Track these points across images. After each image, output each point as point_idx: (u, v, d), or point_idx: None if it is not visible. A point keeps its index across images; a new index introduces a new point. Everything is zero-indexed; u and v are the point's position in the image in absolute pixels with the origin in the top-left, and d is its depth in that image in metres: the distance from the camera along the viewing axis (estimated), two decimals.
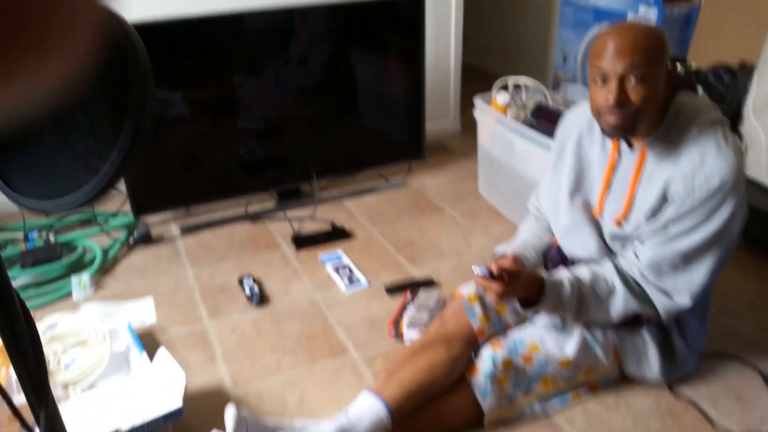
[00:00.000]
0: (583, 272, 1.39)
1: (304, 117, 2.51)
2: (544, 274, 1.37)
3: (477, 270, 1.30)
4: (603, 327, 1.44)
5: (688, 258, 1.32)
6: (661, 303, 1.35)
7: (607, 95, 1.25)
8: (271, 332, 1.77)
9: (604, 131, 1.33)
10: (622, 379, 1.51)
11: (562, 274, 1.38)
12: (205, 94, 2.35)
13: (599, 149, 1.46)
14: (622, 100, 1.24)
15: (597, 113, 1.31)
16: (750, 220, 1.97)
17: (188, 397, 1.52)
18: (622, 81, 1.24)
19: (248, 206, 2.41)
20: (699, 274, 1.33)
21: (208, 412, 1.47)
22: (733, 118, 2.21)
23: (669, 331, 1.46)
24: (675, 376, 1.49)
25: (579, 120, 1.51)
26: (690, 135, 1.29)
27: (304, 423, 1.31)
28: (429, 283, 1.94)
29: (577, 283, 1.36)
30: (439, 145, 3.07)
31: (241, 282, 1.98)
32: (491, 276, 1.30)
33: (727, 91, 2.30)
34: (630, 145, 1.39)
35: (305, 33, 2.41)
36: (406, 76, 2.58)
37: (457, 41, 2.99)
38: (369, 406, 1.27)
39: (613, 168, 1.42)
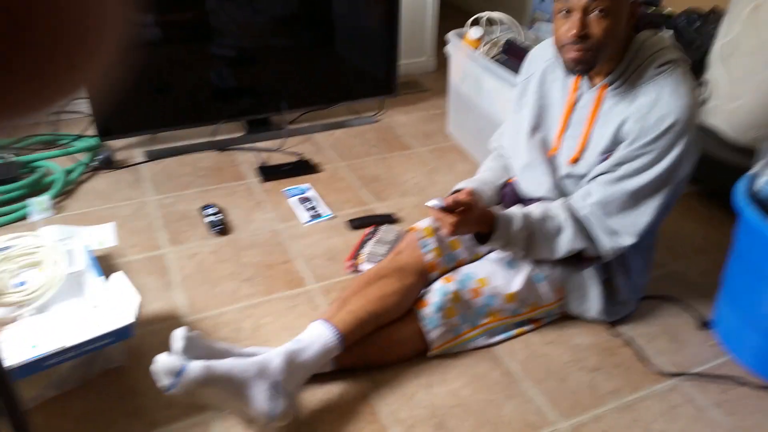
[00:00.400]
0: (535, 209, 1.42)
1: (279, 47, 2.45)
2: (496, 209, 1.40)
3: (432, 202, 1.33)
4: (549, 264, 1.48)
5: (636, 197, 1.35)
6: (605, 241, 1.39)
7: (569, 28, 1.25)
8: (230, 261, 1.79)
9: (566, 66, 1.33)
10: (566, 317, 1.58)
11: (514, 210, 1.42)
12: (178, 17, 2.27)
13: (561, 87, 1.47)
14: (584, 33, 1.24)
15: (559, 47, 1.31)
16: (705, 168, 2.01)
17: (143, 322, 1.55)
18: (585, 13, 1.24)
19: (215, 135, 2.38)
20: (645, 214, 1.37)
21: (163, 336, 1.50)
22: (700, 64, 2.22)
23: (612, 271, 1.51)
24: (616, 316, 1.56)
25: (544, 56, 1.51)
26: (648, 74, 1.30)
27: (255, 349, 1.35)
28: (391, 219, 1.97)
29: (527, 219, 1.40)
30: (414, 83, 3.04)
31: (203, 210, 1.98)
32: (445, 209, 1.33)
33: (697, 36, 2.29)
34: (590, 82, 1.40)
35: None
36: (381, 10, 2.52)
37: None
38: (319, 332, 1.31)
39: (572, 106, 1.44)
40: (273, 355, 1.25)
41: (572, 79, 1.42)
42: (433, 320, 1.41)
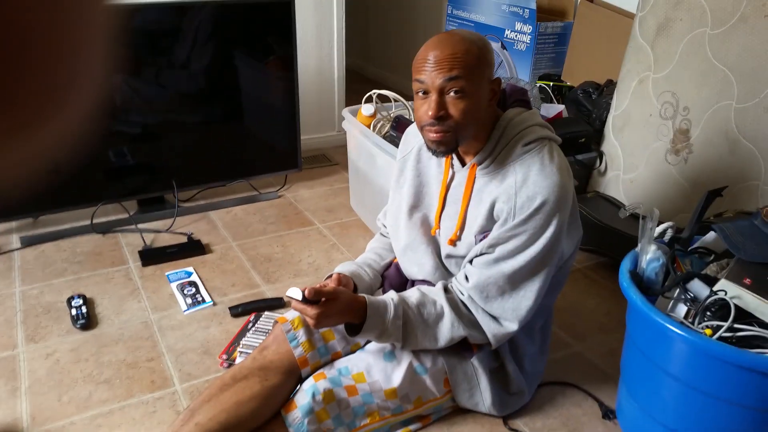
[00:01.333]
0: (411, 294, 1.31)
1: (184, 122, 2.34)
2: (367, 297, 1.28)
3: (291, 293, 1.19)
4: (431, 353, 1.35)
5: (513, 281, 1.26)
6: (488, 327, 1.29)
7: (427, 109, 1.19)
8: (90, 360, 1.59)
9: (428, 147, 1.26)
10: (459, 410, 1.44)
11: (388, 296, 1.30)
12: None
13: (436, 165, 1.40)
14: (441, 114, 1.18)
15: (420, 127, 1.25)
16: (606, 238, 1.98)
17: None
18: (441, 94, 1.18)
19: (94, 216, 2.20)
20: (526, 297, 1.27)
21: None
22: (599, 134, 2.22)
23: (503, 359, 1.40)
24: (510, 408, 1.43)
25: (419, 134, 1.44)
26: (515, 153, 1.24)
27: None
28: (277, 305, 1.82)
29: (402, 305, 1.28)
30: (323, 157, 2.96)
31: (69, 302, 1.78)
32: (307, 300, 1.19)
33: (594, 108, 2.31)
34: (462, 161, 1.33)
35: (189, 33, 2.24)
36: (282, 85, 2.45)
37: (340, 48, 2.89)
38: None
39: (447, 185, 1.36)
40: None
41: (445, 158, 1.36)
42: (301, 426, 1.25)
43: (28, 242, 2.13)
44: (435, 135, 1.20)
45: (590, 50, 2.52)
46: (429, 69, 1.17)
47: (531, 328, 1.43)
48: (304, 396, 1.27)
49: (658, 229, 1.34)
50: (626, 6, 2.41)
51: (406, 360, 1.34)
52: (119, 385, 1.51)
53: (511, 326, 1.28)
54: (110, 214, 2.30)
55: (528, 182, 1.21)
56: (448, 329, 1.28)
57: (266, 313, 1.75)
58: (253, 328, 1.67)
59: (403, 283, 1.49)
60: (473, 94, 1.18)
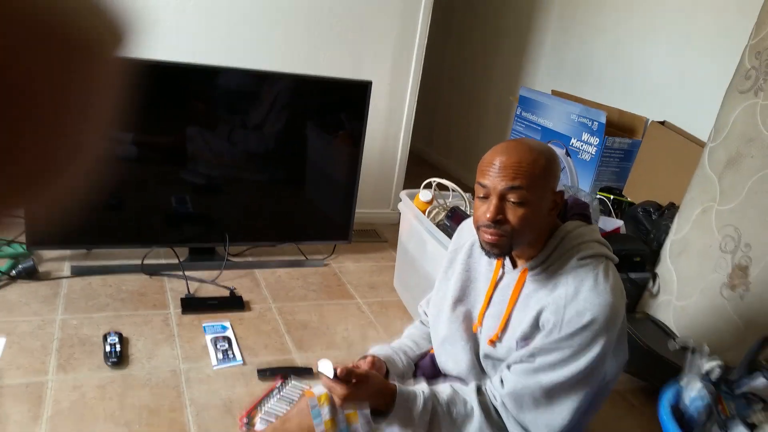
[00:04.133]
0: (443, 389, 1.28)
1: (247, 180, 2.43)
2: (398, 384, 1.25)
3: (322, 368, 1.19)
4: None
5: (550, 394, 1.21)
6: None
7: (485, 211, 1.20)
8: (114, 399, 1.60)
9: (482, 247, 1.26)
10: None
11: (419, 388, 1.27)
12: (157, 139, 2.27)
13: (486, 262, 1.40)
14: (499, 218, 1.19)
15: (476, 227, 1.26)
16: (650, 364, 1.89)
17: None
18: (501, 199, 1.19)
19: (146, 258, 2.27)
20: (561, 413, 1.22)
21: None
22: (653, 257, 2.18)
23: None
24: None
25: (473, 230, 1.45)
26: (570, 265, 1.23)
27: None
28: (305, 372, 1.80)
29: (432, 399, 1.24)
30: (373, 232, 3.00)
31: (105, 338, 1.82)
32: (337, 378, 1.18)
33: (652, 229, 2.28)
34: (514, 263, 1.33)
35: (268, 99, 2.38)
36: (346, 159, 2.54)
37: (407, 131, 2.99)
38: None
39: (495, 283, 1.36)
40: None
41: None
42: None
43: (77, 272, 2.21)
44: (490, 237, 1.21)
45: (655, 170, 2.52)
46: (493, 174, 1.19)
47: None
48: None
49: (706, 367, 1.29)
50: (697, 133, 2.42)
51: None
52: (138, 430, 1.50)
53: None
54: (161, 257, 2.37)
55: (579, 297, 1.19)
56: (476, 430, 1.24)
57: (294, 382, 1.73)
58: (279, 395, 1.65)
59: (436, 375, 1.46)
60: (534, 204, 1.18)
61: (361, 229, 2.96)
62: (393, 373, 1.41)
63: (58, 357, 1.74)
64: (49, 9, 0.21)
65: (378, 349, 1.47)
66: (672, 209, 2.31)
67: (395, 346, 1.51)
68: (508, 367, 1.27)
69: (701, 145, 2.22)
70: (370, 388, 1.21)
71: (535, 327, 1.25)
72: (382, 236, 2.97)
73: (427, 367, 1.48)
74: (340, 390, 1.17)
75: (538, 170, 1.18)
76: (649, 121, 2.63)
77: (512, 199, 1.18)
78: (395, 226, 3.07)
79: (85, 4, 0.23)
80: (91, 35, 0.23)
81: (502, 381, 1.27)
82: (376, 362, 1.36)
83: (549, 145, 1.25)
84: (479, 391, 1.28)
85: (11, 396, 1.56)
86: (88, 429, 1.48)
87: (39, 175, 0.24)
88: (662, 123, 2.57)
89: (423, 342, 1.54)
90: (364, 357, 1.41)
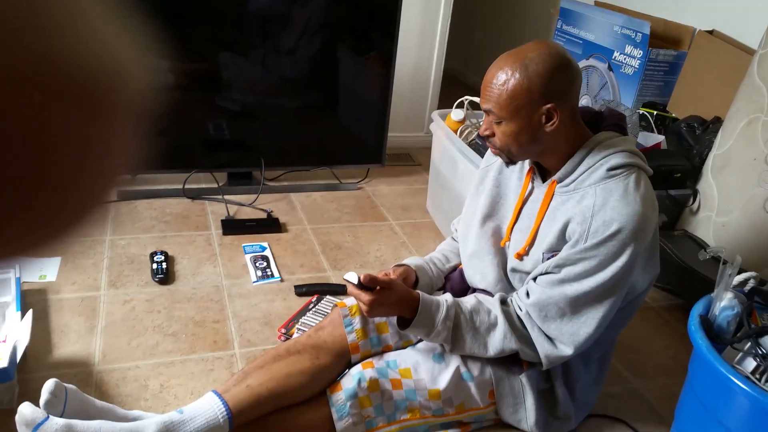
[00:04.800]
0: (468, 300, 1.32)
1: (281, 105, 2.45)
2: (421, 293, 1.29)
3: (348, 276, 1.24)
4: (480, 362, 1.35)
5: (575, 305, 1.23)
6: (542, 347, 1.27)
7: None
8: (162, 312, 1.70)
9: None
10: (500, 425, 1.42)
11: (443, 297, 1.31)
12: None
13: (517, 178, 1.40)
14: (486, 134, 1.25)
15: None
16: (688, 280, 1.88)
17: (51, 365, 1.47)
18: (490, 116, 1.23)
19: (186, 182, 2.34)
20: (587, 324, 1.24)
21: (65, 381, 1.41)
22: (695, 173, 2.12)
23: (554, 381, 1.37)
24: (553, 431, 1.40)
25: None
26: (598, 175, 1.21)
27: (138, 413, 1.24)
28: (339, 291, 1.86)
29: (455, 307, 1.28)
30: (407, 155, 2.99)
31: (152, 256, 1.91)
32: (363, 286, 1.23)
33: (695, 144, 2.20)
34: (543, 178, 1.32)
35: (299, 21, 2.35)
36: (379, 82, 2.51)
37: (441, 51, 2.91)
38: (207, 405, 1.20)
39: (524, 199, 1.36)
40: (147, 424, 1.14)
41: (526, 171, 1.35)
42: (343, 408, 1.28)
43: (124, 197, 2.30)
44: (492, 149, 1.27)
45: (702, 83, 2.40)
46: (482, 89, 1.23)
47: (588, 357, 1.39)
48: (351, 380, 1.31)
49: (740, 278, 1.27)
50: (748, 41, 2.28)
51: (453, 364, 1.35)
52: (184, 339, 1.60)
53: (566, 350, 1.26)
54: (201, 182, 2.44)
55: (607, 207, 1.18)
56: (499, 340, 1.28)
57: (328, 297, 1.80)
58: (314, 309, 1.73)
59: (464, 289, 1.49)
60: (513, 122, 1.19)
61: (395, 153, 2.96)
62: (422, 281, 1.46)
63: (109, 274, 1.84)
64: (62, 61, 0.21)
65: (410, 260, 1.51)
66: (717, 123, 2.22)
67: (428, 257, 1.55)
68: (534, 279, 1.29)
69: (751, 53, 2.10)
70: (393, 294, 1.25)
71: (562, 239, 1.25)
72: (416, 160, 2.96)
73: (456, 281, 1.52)
74: (365, 297, 1.22)
75: (507, 92, 1.18)
76: (696, 31, 2.49)
77: (492, 118, 1.22)
78: (428, 149, 3.05)
79: (97, 52, 0.23)
80: (104, 85, 0.23)
81: (527, 293, 1.29)
82: (406, 271, 1.41)
83: (545, 52, 1.18)
84: (503, 302, 1.31)
85: (69, 309, 1.67)
86: (138, 338, 1.59)
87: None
88: (710, 32, 2.43)
89: (453, 256, 1.57)
90: (397, 265, 1.46)
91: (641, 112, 2.44)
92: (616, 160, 1.22)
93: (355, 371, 1.33)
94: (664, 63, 2.56)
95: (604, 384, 1.48)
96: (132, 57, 0.25)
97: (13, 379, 1.25)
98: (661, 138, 2.17)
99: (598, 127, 1.32)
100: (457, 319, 1.27)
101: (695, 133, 2.30)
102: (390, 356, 1.37)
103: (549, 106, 1.18)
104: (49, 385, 1.14)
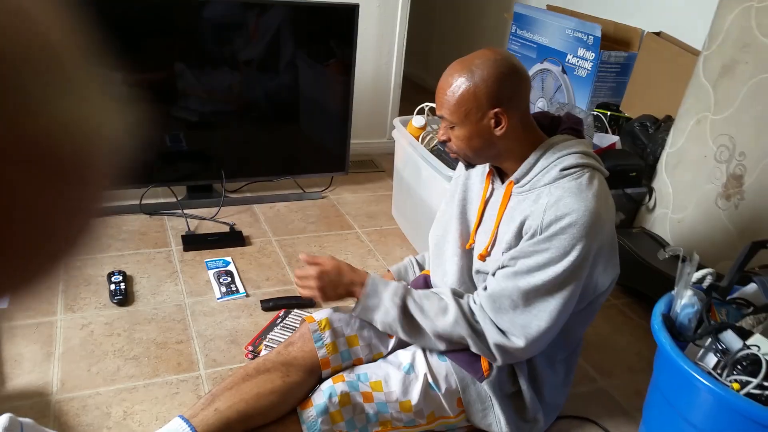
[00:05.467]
0: (419, 290, 1.35)
1: (239, 115, 2.41)
2: (372, 273, 1.36)
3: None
4: (444, 373, 1.35)
5: (527, 298, 1.24)
6: (492, 337, 1.26)
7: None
8: (122, 335, 1.65)
9: None
10: (474, 431, 1.43)
11: (397, 283, 1.35)
12: (146, 77, 2.23)
13: (479, 181, 1.43)
14: (443, 139, 1.29)
15: None
16: (647, 278, 1.93)
17: (2, 398, 1.40)
18: (443, 120, 1.27)
19: (143, 197, 2.28)
20: (538, 318, 1.24)
21: (21, 414, 1.35)
22: (649, 171, 2.17)
23: (520, 384, 1.38)
24: None
25: None
26: (552, 175, 1.24)
27: None
28: (307, 303, 1.84)
29: (404, 289, 1.32)
30: (370, 162, 2.99)
31: (109, 277, 1.85)
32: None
33: (649, 143, 2.26)
34: (502, 180, 1.35)
35: (254, 29, 2.32)
36: (339, 89, 2.50)
37: (399, 56, 2.92)
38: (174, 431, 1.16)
39: (486, 200, 1.39)
40: None
41: (486, 174, 1.38)
42: (313, 425, 1.27)
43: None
44: (450, 154, 1.31)
45: (652, 84, 2.47)
46: (436, 100, 1.27)
47: (553, 358, 1.40)
48: (321, 396, 1.29)
49: (697, 275, 1.31)
50: (693, 43, 2.36)
51: (421, 375, 1.35)
52: (147, 363, 1.56)
53: (518, 342, 1.25)
54: (159, 197, 2.38)
55: (560, 203, 1.20)
56: (450, 324, 1.27)
57: (295, 310, 1.77)
58: (282, 324, 1.70)
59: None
60: (463, 127, 1.23)
61: (358, 159, 2.95)
62: (405, 281, 1.50)
63: (65, 297, 1.78)
64: (33, 129, 0.21)
65: (394, 267, 1.61)
66: (668, 122, 2.28)
67: (411, 258, 1.61)
68: (493, 274, 1.30)
69: (696, 54, 2.17)
70: (339, 265, 1.35)
71: (519, 236, 1.27)
72: (380, 166, 2.96)
73: (420, 285, 1.52)
74: (311, 270, 1.31)
75: (456, 98, 1.22)
76: (645, 33, 2.56)
77: (446, 124, 1.26)
78: (391, 155, 3.05)
79: (71, 117, 0.23)
80: (75, 151, 0.23)
81: (485, 287, 1.30)
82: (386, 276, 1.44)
83: (491, 59, 1.23)
84: (455, 293, 1.33)
85: (23, 336, 1.61)
86: (98, 364, 1.54)
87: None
88: (658, 34, 2.50)
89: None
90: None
91: (595, 113, 2.49)
92: (570, 160, 1.24)
93: (326, 386, 1.31)
94: (615, 64, 2.63)
95: (571, 385, 1.49)
96: (107, 120, 0.24)
97: None
98: (616, 138, 2.22)
99: (556, 131, 1.34)
100: (406, 300, 1.31)
101: (648, 131, 2.35)
102: (360, 369, 1.36)
103: (497, 110, 1.21)
104: (2, 421, 1.09)
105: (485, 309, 1.27)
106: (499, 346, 1.26)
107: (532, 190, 1.25)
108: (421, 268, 1.62)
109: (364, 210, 2.51)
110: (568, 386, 1.48)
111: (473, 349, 1.29)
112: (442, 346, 1.31)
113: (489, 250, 1.33)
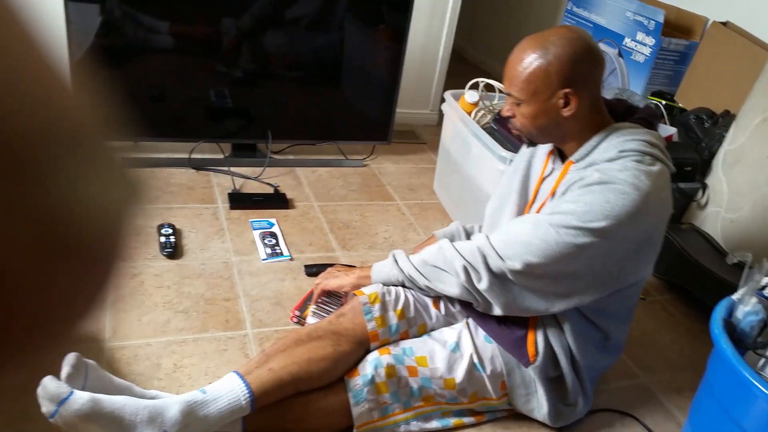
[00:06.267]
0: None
1: (284, 75, 2.39)
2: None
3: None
4: (491, 355, 1.35)
5: (537, 225, 1.23)
6: (495, 262, 1.26)
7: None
8: (170, 288, 1.68)
9: None
10: (515, 416, 1.44)
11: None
12: (193, 30, 2.22)
13: (541, 160, 1.44)
14: (507, 115, 1.28)
15: None
16: (691, 274, 1.90)
17: None
18: (510, 96, 1.26)
19: (192, 153, 2.29)
20: (539, 246, 1.21)
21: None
22: (703, 166, 2.13)
23: (561, 366, 1.37)
24: (564, 420, 1.42)
25: None
26: (611, 154, 1.22)
27: (155, 393, 1.22)
28: None
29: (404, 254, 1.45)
30: (412, 133, 2.96)
31: (159, 229, 1.87)
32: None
33: (704, 137, 2.21)
34: (563, 159, 1.34)
35: None
36: (388, 58, 2.45)
37: (450, 27, 2.86)
38: (230, 387, 1.19)
39: (542, 180, 1.39)
40: (171, 403, 1.13)
41: (548, 152, 1.38)
42: (359, 394, 1.29)
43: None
44: (513, 130, 1.31)
45: (712, 75, 2.40)
46: (504, 75, 1.26)
47: (587, 335, 1.37)
48: (368, 367, 1.31)
49: (763, 281, 1.29)
50: (764, 36, 2.27)
51: (467, 354, 1.36)
52: (196, 317, 1.59)
53: (514, 264, 1.23)
54: (206, 152, 2.39)
55: (610, 171, 1.19)
56: (453, 250, 1.32)
57: None
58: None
59: None
60: (530, 104, 1.22)
61: (399, 129, 2.91)
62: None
63: None
64: (45, 215, 0.21)
65: (440, 231, 1.62)
66: (727, 117, 2.22)
67: (459, 225, 1.63)
68: None
69: (767, 48, 2.10)
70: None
71: None
72: (421, 138, 2.93)
73: None
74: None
75: (526, 75, 1.20)
76: (710, 22, 2.47)
77: (512, 100, 1.25)
78: (434, 127, 3.03)
79: (82, 202, 0.22)
80: (84, 235, 0.22)
81: None
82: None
83: (567, 37, 1.20)
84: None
85: None
86: (148, 315, 1.57)
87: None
88: (724, 24, 2.41)
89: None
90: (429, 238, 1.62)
91: (650, 101, 2.43)
92: (633, 145, 1.21)
93: (372, 357, 1.33)
94: (675, 52, 2.55)
95: (615, 352, 1.45)
96: (117, 207, 0.24)
97: None
98: (674, 130, 2.17)
99: (623, 118, 1.33)
100: (411, 275, 1.39)
101: (704, 125, 2.30)
102: (406, 344, 1.38)
103: (567, 90, 1.20)
104: (70, 359, 1.12)
105: (491, 237, 1.29)
106: (480, 248, 1.27)
107: (589, 167, 1.24)
108: (468, 237, 1.60)
109: (405, 182, 2.50)
110: (609, 350, 1.43)
111: (473, 280, 1.27)
112: (456, 289, 1.30)
113: None
